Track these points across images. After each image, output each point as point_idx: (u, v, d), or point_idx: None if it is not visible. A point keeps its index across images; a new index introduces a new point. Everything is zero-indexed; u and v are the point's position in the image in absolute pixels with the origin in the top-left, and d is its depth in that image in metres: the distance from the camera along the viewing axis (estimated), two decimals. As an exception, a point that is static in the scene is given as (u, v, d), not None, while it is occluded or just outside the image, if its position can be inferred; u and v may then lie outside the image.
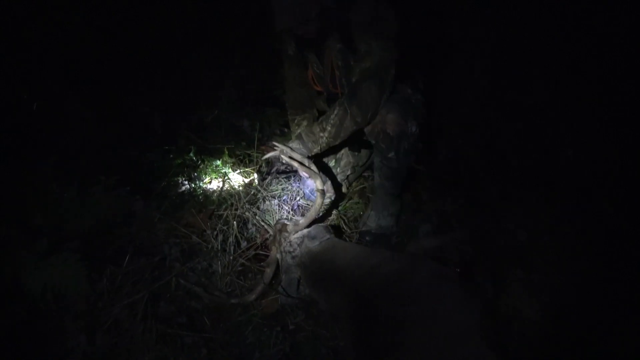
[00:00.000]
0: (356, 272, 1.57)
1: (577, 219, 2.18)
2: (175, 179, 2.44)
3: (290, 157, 1.93)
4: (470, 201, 2.39)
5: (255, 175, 2.57)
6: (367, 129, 2.08)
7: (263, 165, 2.66)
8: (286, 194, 2.46)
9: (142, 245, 2.04)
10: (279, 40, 2.22)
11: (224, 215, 2.19)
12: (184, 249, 2.06)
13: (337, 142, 1.98)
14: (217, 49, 2.93)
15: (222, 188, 2.43)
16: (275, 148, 1.97)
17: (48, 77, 2.41)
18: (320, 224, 1.93)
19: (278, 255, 1.91)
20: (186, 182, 2.45)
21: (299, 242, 1.85)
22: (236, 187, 2.47)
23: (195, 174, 2.50)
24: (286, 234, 1.90)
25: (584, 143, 2.55)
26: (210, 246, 2.08)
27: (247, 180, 2.54)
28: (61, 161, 2.16)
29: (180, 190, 2.41)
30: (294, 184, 2.50)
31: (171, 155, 2.52)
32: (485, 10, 2.93)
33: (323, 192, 1.88)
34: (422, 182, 2.58)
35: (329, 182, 2.34)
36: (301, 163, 1.92)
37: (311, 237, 1.83)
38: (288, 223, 1.93)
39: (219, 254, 2.04)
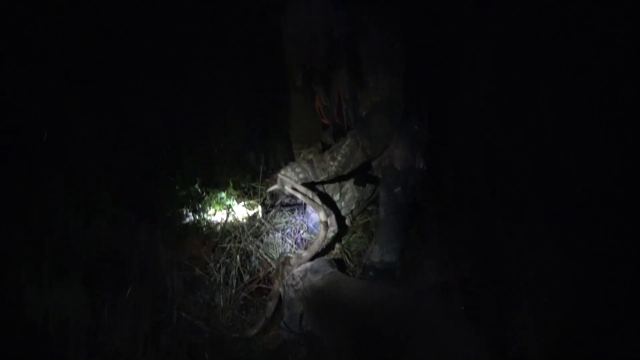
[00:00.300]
0: (359, 308, 1.55)
1: (586, 254, 2.15)
2: (180, 210, 2.46)
3: (294, 189, 1.94)
4: (474, 236, 2.37)
5: (260, 208, 2.58)
6: (374, 163, 2.10)
7: (267, 198, 2.68)
8: (290, 227, 2.46)
9: (145, 275, 2.03)
10: (287, 71, 2.25)
11: (227, 248, 2.19)
12: (187, 281, 2.05)
13: (345, 173, 1.99)
14: (225, 82, 3.00)
15: (226, 220, 2.44)
16: (281, 178, 1.97)
17: (59, 101, 2.47)
18: (323, 258, 1.93)
19: (281, 289, 1.89)
20: (190, 214, 2.46)
21: (301, 276, 1.84)
22: (240, 219, 2.48)
23: (200, 205, 2.52)
24: (289, 267, 1.89)
25: (592, 183, 2.54)
26: (212, 279, 2.07)
27: (251, 213, 2.55)
28: (69, 188, 2.18)
29: (185, 222, 2.42)
30: (298, 217, 2.51)
31: (177, 187, 2.54)
32: (485, 50, 3.00)
33: (326, 225, 1.88)
34: (426, 216, 2.57)
35: (332, 216, 2.34)
36: (305, 195, 1.92)
37: (314, 271, 1.81)
38: (291, 256, 1.92)
39: (222, 287, 2.02)
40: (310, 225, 2.44)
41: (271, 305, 1.90)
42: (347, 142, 1.94)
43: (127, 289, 1.92)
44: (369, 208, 2.63)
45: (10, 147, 2.32)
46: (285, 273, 1.89)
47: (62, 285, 1.83)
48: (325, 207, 2.03)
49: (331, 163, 1.96)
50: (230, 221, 2.43)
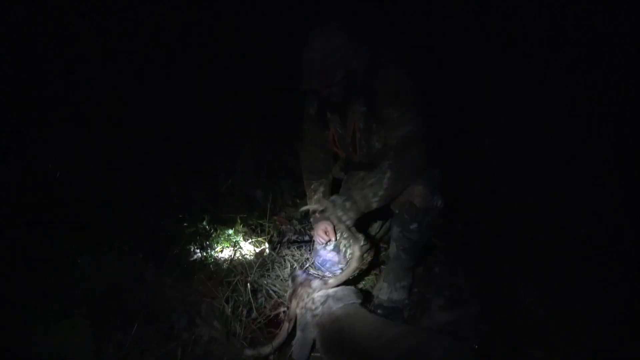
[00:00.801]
0: (373, 344, 1.54)
1: (596, 295, 2.12)
2: (188, 247, 2.46)
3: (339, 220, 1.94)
4: (484, 275, 2.36)
5: (267, 245, 2.58)
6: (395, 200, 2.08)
7: (275, 235, 2.68)
8: (297, 263, 2.45)
9: (151, 312, 2.01)
10: (304, 100, 2.32)
11: (234, 282, 2.17)
12: (193, 318, 2.02)
13: (381, 206, 1.99)
14: (234, 120, 3.08)
15: (233, 257, 2.43)
16: (335, 216, 1.95)
17: (71, 142, 2.53)
18: (349, 287, 1.90)
19: (298, 311, 1.87)
20: (198, 250, 2.46)
21: (322, 301, 1.82)
22: (247, 256, 2.48)
23: (208, 242, 2.52)
24: (309, 290, 1.87)
25: (599, 221, 2.54)
26: (220, 315, 2.04)
27: (258, 250, 2.55)
28: (77, 225, 2.20)
29: (192, 259, 2.41)
30: (305, 254, 2.50)
31: (185, 224, 2.55)
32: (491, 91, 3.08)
33: (361, 257, 1.87)
34: (434, 255, 2.57)
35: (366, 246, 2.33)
36: (348, 228, 1.91)
37: (337, 298, 1.80)
38: (313, 278, 1.91)
39: (230, 322, 2.00)
40: (317, 262, 2.42)
41: (287, 326, 1.87)
42: (388, 175, 1.92)
43: (132, 327, 1.90)
44: (382, 245, 2.62)
45: (19, 183, 2.37)
46: (304, 295, 1.87)
47: (68, 322, 1.81)
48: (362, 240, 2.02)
49: (374, 199, 1.94)
50: (238, 258, 2.43)
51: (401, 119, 1.95)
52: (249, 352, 1.82)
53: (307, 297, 1.87)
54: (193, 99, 2.98)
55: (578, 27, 2.71)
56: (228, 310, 2.05)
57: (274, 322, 2.08)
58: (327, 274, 2.32)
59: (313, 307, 1.83)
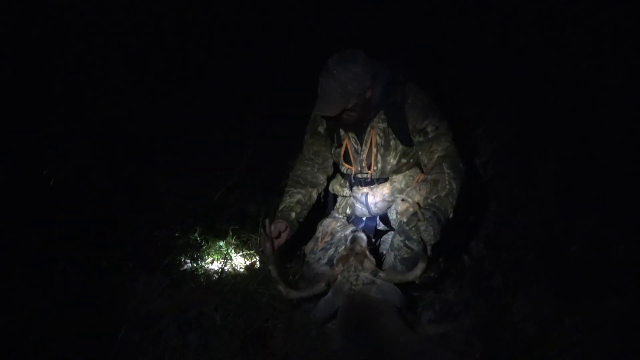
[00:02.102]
0: (384, 342, 1.60)
1: (588, 310, 2.13)
2: (179, 257, 2.46)
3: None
4: (474, 290, 2.36)
5: (257, 257, 2.58)
6: (401, 207, 2.04)
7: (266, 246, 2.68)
8: (290, 274, 2.44)
9: (140, 318, 1.99)
10: (311, 119, 2.38)
11: (224, 292, 2.17)
12: (181, 324, 2.00)
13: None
14: (230, 136, 3.13)
15: (223, 269, 2.43)
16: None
17: (67, 150, 2.56)
18: (395, 287, 1.92)
19: (339, 277, 1.90)
20: (189, 261, 2.46)
21: (366, 282, 1.87)
22: (238, 268, 2.48)
23: (198, 253, 2.52)
24: (360, 267, 1.91)
25: (590, 237, 2.56)
26: (208, 323, 2.03)
27: (249, 262, 2.55)
28: (71, 231, 2.21)
29: (183, 269, 2.41)
30: (296, 265, 2.50)
31: (177, 234, 2.56)
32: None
33: (429, 261, 1.91)
34: (425, 272, 2.55)
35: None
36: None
37: (381, 291, 1.85)
38: (369, 259, 1.95)
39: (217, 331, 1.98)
40: (310, 275, 2.42)
41: (322, 285, 1.94)
42: (455, 185, 1.99)
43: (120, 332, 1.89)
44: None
45: (15, 189, 2.38)
46: (353, 267, 1.91)
47: (58, 325, 1.81)
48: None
49: (450, 210, 1.96)
50: (228, 269, 2.43)
51: (438, 132, 2.07)
52: (280, 287, 1.92)
53: (355, 271, 1.91)
54: (191, 112, 3.04)
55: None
56: (217, 318, 2.04)
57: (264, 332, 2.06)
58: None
59: (355, 282, 1.88)
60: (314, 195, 2.39)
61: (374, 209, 2.37)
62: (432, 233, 1.86)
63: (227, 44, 3.36)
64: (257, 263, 2.53)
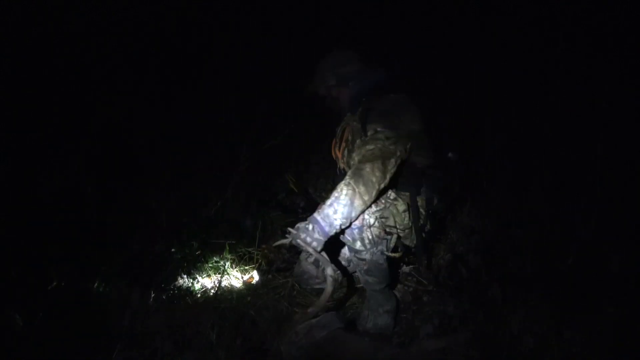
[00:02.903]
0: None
1: (585, 323, 2.12)
2: (175, 272, 2.43)
3: (305, 243, 1.93)
4: (472, 303, 2.34)
5: (255, 272, 2.56)
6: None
7: (263, 263, 2.67)
8: (284, 290, 2.42)
9: (134, 335, 1.96)
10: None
11: (220, 309, 2.14)
12: (177, 342, 1.98)
13: (348, 224, 1.99)
14: (226, 152, 3.12)
15: (220, 283, 2.41)
16: (287, 236, 1.99)
17: (63, 162, 2.55)
18: (331, 312, 1.88)
19: (282, 348, 1.82)
20: (185, 276, 2.43)
21: (305, 332, 1.79)
22: (234, 283, 2.46)
23: (194, 268, 2.50)
24: (290, 324, 1.85)
25: (586, 249, 2.56)
26: (204, 340, 2.00)
27: (245, 277, 2.53)
28: (62, 247, 2.19)
29: (178, 284, 2.39)
30: (292, 279, 2.48)
31: (173, 249, 2.54)
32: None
33: (335, 280, 1.86)
34: (422, 283, 2.55)
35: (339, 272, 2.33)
36: (315, 250, 1.91)
37: (321, 326, 1.77)
38: (296, 311, 1.88)
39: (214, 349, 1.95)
40: (297, 271, 2.44)
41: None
42: (344, 192, 1.93)
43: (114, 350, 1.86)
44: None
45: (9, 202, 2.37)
46: (287, 330, 1.84)
47: (50, 345, 1.78)
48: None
49: (335, 217, 1.93)
50: (224, 285, 2.41)
51: (372, 137, 2.03)
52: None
53: (290, 330, 1.84)
54: (186, 126, 3.04)
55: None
56: (212, 336, 2.01)
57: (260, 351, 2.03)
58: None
59: (296, 339, 1.79)
60: None
61: None
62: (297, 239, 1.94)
63: (222, 57, 3.39)
64: (254, 277, 2.51)
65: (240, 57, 3.62)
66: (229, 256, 2.58)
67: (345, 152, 2.28)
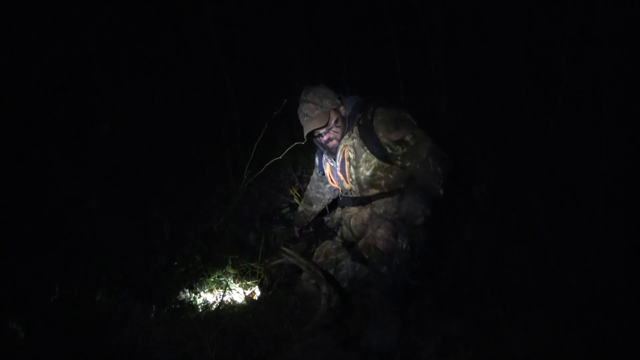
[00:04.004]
0: None
1: (589, 343, 2.09)
2: (176, 286, 2.43)
3: (298, 261, 1.95)
4: (475, 322, 2.32)
5: (257, 288, 2.55)
6: (360, 243, 2.23)
7: (265, 278, 2.65)
8: (287, 308, 2.41)
9: (135, 351, 1.96)
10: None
11: (222, 323, 2.13)
12: (178, 358, 1.97)
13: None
14: (230, 167, 3.14)
15: (222, 298, 2.40)
16: (285, 250, 2.01)
17: (71, 174, 2.56)
18: (327, 333, 1.87)
19: None
20: (187, 290, 2.43)
21: (301, 353, 1.78)
22: (236, 298, 2.45)
23: (197, 282, 2.49)
24: (288, 344, 1.83)
25: (589, 269, 2.55)
26: (205, 357, 1.99)
27: (247, 293, 2.52)
28: (65, 259, 2.19)
29: (181, 298, 2.38)
30: (294, 297, 2.47)
31: (175, 263, 2.54)
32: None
33: (329, 298, 1.85)
34: (425, 301, 2.53)
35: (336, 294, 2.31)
36: (307, 267, 1.93)
37: (315, 347, 1.75)
38: (292, 331, 1.87)
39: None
40: (299, 291, 2.41)
41: None
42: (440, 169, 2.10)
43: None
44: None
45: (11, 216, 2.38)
46: (285, 350, 1.82)
47: (51, 356, 1.77)
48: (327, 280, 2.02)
49: (439, 187, 2.12)
50: (227, 300, 2.40)
51: (417, 139, 2.17)
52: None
53: (288, 351, 1.83)
54: (189, 139, 3.06)
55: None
56: (212, 354, 2.00)
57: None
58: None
59: None
60: (315, 209, 2.85)
61: (355, 232, 2.48)
62: (418, 210, 2.04)
63: (227, 71, 3.44)
64: (257, 293, 2.50)
65: (245, 71, 3.66)
66: (231, 271, 2.57)
67: (351, 169, 2.33)
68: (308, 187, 2.89)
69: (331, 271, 2.48)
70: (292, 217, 3.06)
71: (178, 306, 2.28)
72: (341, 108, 2.37)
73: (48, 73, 2.97)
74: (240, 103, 3.37)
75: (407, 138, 2.19)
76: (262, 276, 2.64)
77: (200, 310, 2.31)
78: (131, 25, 3.54)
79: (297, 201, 3.19)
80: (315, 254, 2.58)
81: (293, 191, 3.32)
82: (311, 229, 2.93)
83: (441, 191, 2.07)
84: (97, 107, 3.11)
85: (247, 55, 3.82)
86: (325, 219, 2.98)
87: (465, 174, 3.12)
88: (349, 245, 2.56)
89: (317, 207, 2.85)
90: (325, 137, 2.37)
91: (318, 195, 2.83)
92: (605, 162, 2.66)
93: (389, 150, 2.25)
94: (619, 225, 2.49)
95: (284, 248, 2.05)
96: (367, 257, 2.12)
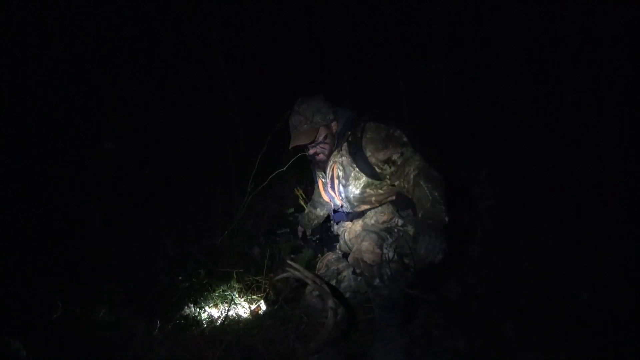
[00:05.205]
0: None
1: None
2: (181, 301, 2.40)
3: (304, 275, 1.93)
4: (484, 339, 2.28)
5: (262, 302, 2.52)
6: (350, 258, 2.20)
7: (271, 293, 2.63)
8: (292, 323, 2.38)
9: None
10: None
11: (227, 339, 2.10)
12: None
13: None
14: (234, 182, 3.12)
15: (227, 314, 2.37)
16: (291, 264, 2.00)
17: (74, 190, 2.55)
18: (333, 349, 1.84)
19: None
20: (191, 306, 2.40)
21: None
22: (241, 313, 2.42)
23: (201, 297, 2.47)
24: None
25: (599, 284, 2.51)
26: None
27: (253, 307, 2.49)
28: (68, 275, 2.17)
29: (185, 314, 2.35)
30: (299, 311, 2.44)
31: (180, 278, 2.51)
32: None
33: (336, 313, 1.83)
34: (432, 318, 2.50)
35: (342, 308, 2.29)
36: (313, 281, 1.90)
37: None
38: (298, 347, 1.84)
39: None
40: (303, 305, 2.41)
41: None
42: (436, 194, 2.01)
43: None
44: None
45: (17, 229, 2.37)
46: None
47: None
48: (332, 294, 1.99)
49: (443, 214, 2.01)
50: (232, 315, 2.37)
51: (405, 158, 2.12)
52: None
53: None
54: (193, 154, 3.05)
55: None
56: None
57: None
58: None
59: None
60: (320, 212, 2.76)
61: (350, 245, 2.43)
62: (436, 248, 1.93)
63: (227, 72, 3.44)
64: (262, 307, 2.47)
65: (245, 72, 3.66)
66: (236, 285, 2.55)
67: (341, 187, 2.33)
68: (314, 190, 2.82)
69: (333, 282, 2.46)
70: (297, 217, 3.03)
71: (182, 321, 2.25)
72: (333, 124, 2.31)
73: (48, 73, 2.97)
74: (240, 105, 3.36)
75: (394, 157, 2.14)
76: (268, 290, 2.61)
77: (205, 326, 2.28)
78: (131, 25, 3.54)
79: (302, 203, 3.18)
80: (317, 265, 2.59)
81: (298, 191, 3.31)
82: (317, 237, 2.89)
83: (447, 219, 2.00)
84: (97, 107, 3.10)
85: (247, 56, 3.82)
86: (331, 226, 2.93)
87: (470, 189, 3.10)
88: (349, 256, 2.54)
89: (321, 212, 2.78)
90: (311, 151, 2.34)
91: (321, 200, 2.75)
92: (610, 172, 2.64)
93: (377, 170, 2.22)
94: (628, 239, 2.46)
95: (289, 262, 2.02)
96: (358, 272, 2.12)
